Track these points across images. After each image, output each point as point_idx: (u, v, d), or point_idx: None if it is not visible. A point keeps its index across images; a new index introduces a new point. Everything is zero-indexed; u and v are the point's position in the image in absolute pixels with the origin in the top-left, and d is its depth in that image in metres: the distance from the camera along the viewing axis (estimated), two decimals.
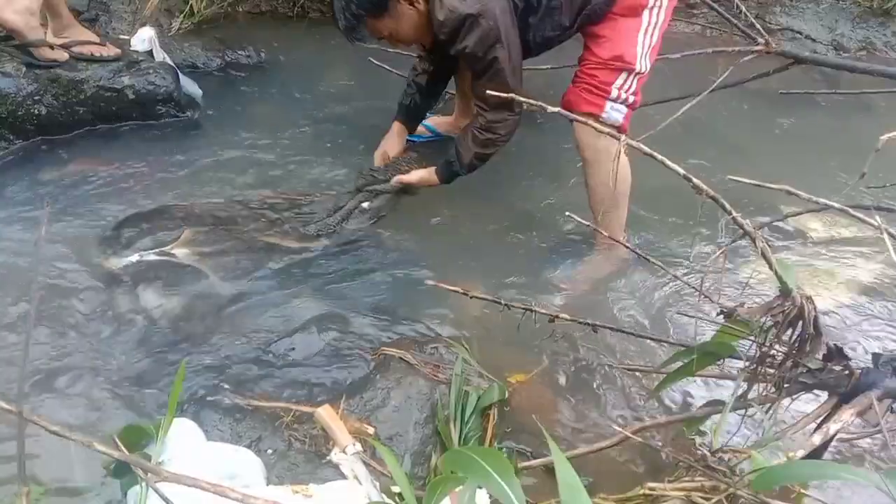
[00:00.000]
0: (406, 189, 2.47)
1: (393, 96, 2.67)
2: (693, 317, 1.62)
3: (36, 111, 2.62)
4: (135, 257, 2.14)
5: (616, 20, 2.15)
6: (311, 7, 3.76)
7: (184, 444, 1.47)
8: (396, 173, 2.45)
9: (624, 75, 2.15)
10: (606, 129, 1.49)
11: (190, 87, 2.95)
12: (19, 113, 2.59)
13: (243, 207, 2.40)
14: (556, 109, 1.43)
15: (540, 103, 1.74)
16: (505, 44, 2.11)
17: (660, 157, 1.27)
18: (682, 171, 1.28)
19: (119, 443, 1.42)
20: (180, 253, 2.18)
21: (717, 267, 1.79)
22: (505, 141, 2.30)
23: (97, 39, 2.80)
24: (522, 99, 1.47)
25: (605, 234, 1.79)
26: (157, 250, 2.18)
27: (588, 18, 2.17)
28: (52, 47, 2.63)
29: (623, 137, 1.27)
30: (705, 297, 1.58)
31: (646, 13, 2.14)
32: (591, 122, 1.84)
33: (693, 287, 1.61)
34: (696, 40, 3.81)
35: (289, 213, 2.41)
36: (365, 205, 2.44)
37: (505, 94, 1.53)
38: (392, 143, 2.58)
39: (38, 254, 1.22)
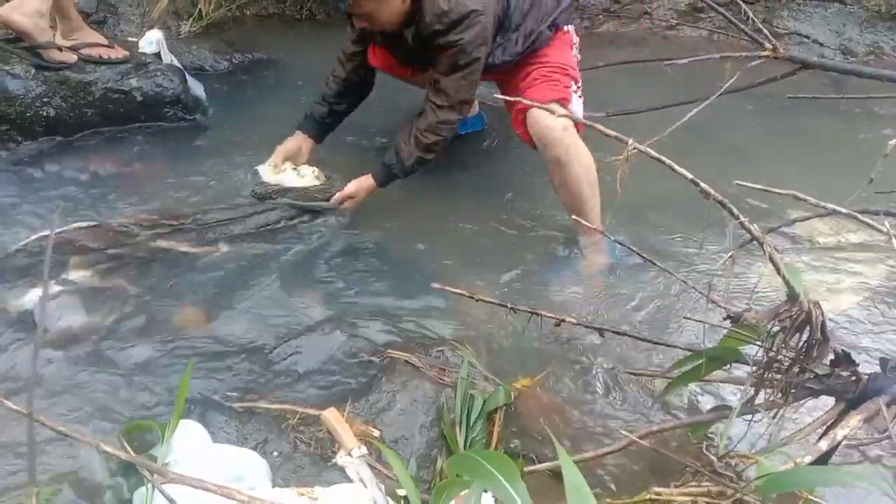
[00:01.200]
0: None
1: (399, 97, 2.68)
2: (700, 321, 1.61)
3: (44, 112, 2.64)
4: None
5: (555, 44, 2.36)
6: (318, 9, 3.78)
7: (190, 445, 1.47)
8: (328, 193, 2.40)
9: (573, 83, 2.31)
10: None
11: (197, 89, 2.96)
12: (28, 114, 2.61)
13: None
14: (532, 104, 1.45)
15: (522, 99, 1.75)
16: (488, 46, 2.19)
17: (668, 161, 1.27)
18: (689, 175, 1.28)
19: (125, 444, 1.42)
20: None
21: (724, 271, 1.79)
22: (445, 145, 2.32)
23: (105, 42, 2.81)
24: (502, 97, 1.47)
25: (600, 230, 1.81)
26: None
27: (533, 45, 2.32)
28: (60, 49, 2.65)
29: (630, 141, 1.27)
30: (712, 301, 1.58)
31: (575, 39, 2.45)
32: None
33: (700, 291, 1.61)
34: (702, 45, 3.80)
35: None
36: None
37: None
38: (293, 146, 2.51)
39: (49, 257, 1.22)
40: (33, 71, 2.62)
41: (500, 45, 2.28)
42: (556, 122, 2.16)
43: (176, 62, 2.95)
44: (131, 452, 1.36)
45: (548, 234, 2.43)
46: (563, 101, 2.25)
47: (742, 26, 2.85)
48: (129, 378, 1.79)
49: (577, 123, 2.20)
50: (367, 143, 2.89)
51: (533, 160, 2.74)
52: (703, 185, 1.27)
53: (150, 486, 1.32)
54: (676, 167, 1.26)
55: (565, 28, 2.40)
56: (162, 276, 2.12)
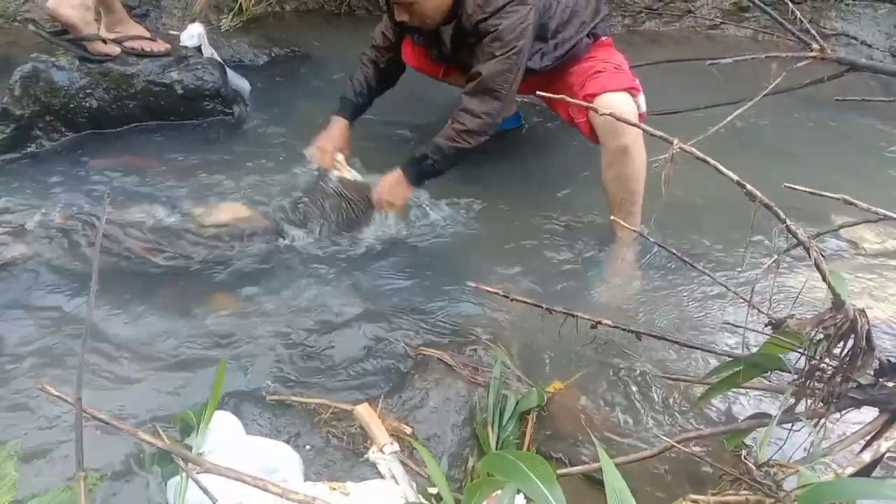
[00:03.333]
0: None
1: (435, 93, 2.67)
2: (740, 327, 1.58)
3: (87, 104, 2.67)
4: None
5: (597, 50, 2.33)
6: (357, 4, 3.79)
7: (224, 436, 1.48)
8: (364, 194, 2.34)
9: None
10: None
11: (238, 82, 2.99)
12: (72, 105, 2.65)
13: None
14: (593, 106, 1.43)
15: (578, 101, 1.73)
16: (528, 39, 2.14)
17: (713, 162, 1.24)
18: (735, 177, 1.25)
19: (161, 433, 1.44)
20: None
21: (766, 276, 1.75)
22: (480, 139, 2.22)
23: (148, 35, 2.85)
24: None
25: (642, 232, 1.78)
26: None
27: (573, 52, 2.29)
28: (104, 42, 2.69)
29: (675, 141, 1.24)
30: (753, 307, 1.55)
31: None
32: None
33: (740, 296, 1.58)
34: (747, 45, 3.73)
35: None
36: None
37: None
38: (336, 137, 2.48)
39: (98, 247, 1.24)
40: (77, 63, 2.66)
41: (539, 51, 2.26)
42: (631, 109, 2.12)
43: (216, 56, 2.98)
44: (167, 442, 1.38)
45: (583, 234, 2.40)
46: (634, 91, 2.21)
47: (789, 26, 2.80)
48: (165, 370, 1.81)
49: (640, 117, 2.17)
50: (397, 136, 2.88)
51: (568, 158, 2.73)
52: (748, 186, 1.24)
53: (184, 475, 1.34)
54: (721, 168, 1.24)
55: (603, 38, 2.37)
56: (198, 270, 2.14)
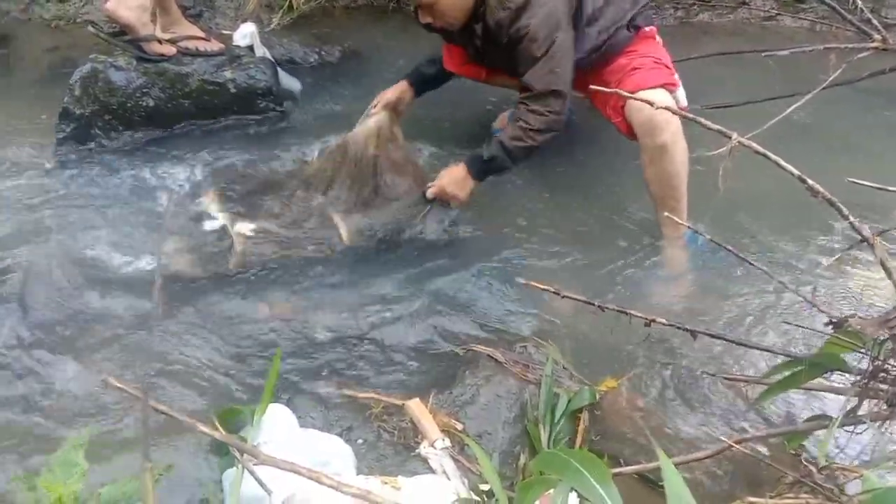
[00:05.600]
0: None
1: (485, 92, 2.66)
2: (800, 326, 1.54)
3: (144, 103, 2.73)
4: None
5: (639, 42, 2.29)
6: (407, 1, 3.79)
7: (278, 429, 1.50)
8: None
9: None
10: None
11: (289, 81, 3.02)
12: (129, 104, 2.71)
13: None
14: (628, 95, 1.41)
15: (618, 91, 1.71)
16: (564, 28, 2.11)
17: (773, 156, 1.21)
18: (796, 171, 1.22)
19: (218, 425, 1.47)
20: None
21: (828, 274, 1.71)
22: (546, 136, 2.19)
23: (202, 35, 2.90)
24: None
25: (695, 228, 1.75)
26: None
27: (611, 42, 2.24)
28: (160, 42, 2.75)
29: (734, 135, 1.22)
30: (813, 305, 1.51)
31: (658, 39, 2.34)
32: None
33: (801, 295, 1.54)
34: (803, 36, 3.63)
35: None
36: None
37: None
38: (394, 95, 2.50)
39: (160, 248, 1.27)
40: (135, 63, 2.72)
41: (577, 38, 2.22)
42: (666, 104, 2.09)
43: (268, 55, 3.02)
44: (224, 433, 1.40)
45: (633, 230, 2.36)
46: (671, 87, 2.18)
47: (848, 16, 2.71)
48: (220, 364, 1.85)
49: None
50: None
51: (617, 153, 2.69)
52: (810, 182, 1.21)
53: (240, 466, 1.36)
54: (782, 162, 1.21)
55: (647, 28, 2.32)
56: (250, 264, 2.17)
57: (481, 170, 2.25)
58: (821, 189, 1.24)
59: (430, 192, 2.30)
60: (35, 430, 1.63)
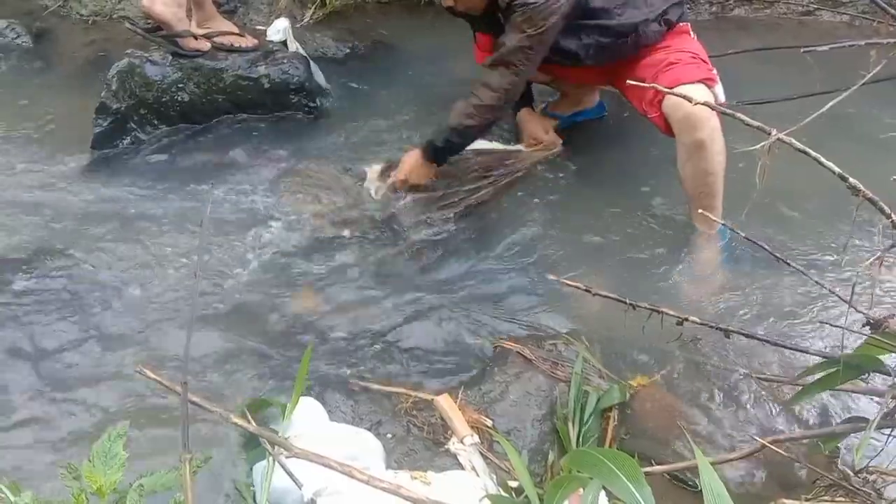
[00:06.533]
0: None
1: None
2: (837, 326, 1.51)
3: (179, 98, 2.76)
4: None
5: (672, 37, 2.26)
6: None
7: (309, 422, 1.51)
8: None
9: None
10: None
11: (318, 77, 3.03)
12: (164, 99, 2.74)
13: None
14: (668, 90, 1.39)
15: (655, 85, 1.69)
16: (557, 21, 2.09)
17: (813, 153, 1.19)
18: (836, 169, 1.20)
19: (249, 416, 1.48)
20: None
21: (867, 275, 1.67)
22: (494, 112, 2.24)
23: (236, 30, 2.92)
24: None
25: (723, 222, 1.73)
26: None
27: (641, 36, 2.21)
28: (195, 37, 2.77)
29: (773, 132, 1.19)
30: (852, 306, 1.48)
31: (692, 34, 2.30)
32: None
33: (838, 296, 1.51)
34: (842, 31, 3.55)
35: None
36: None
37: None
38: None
39: (203, 237, 1.28)
40: (170, 58, 2.75)
41: (587, 32, 2.21)
42: (705, 101, 2.07)
43: (301, 50, 3.03)
44: (255, 426, 1.41)
45: (665, 228, 2.33)
46: (709, 82, 2.14)
47: (890, 10, 2.65)
48: (251, 357, 1.87)
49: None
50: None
51: (650, 149, 2.66)
52: (851, 180, 1.18)
53: (271, 459, 1.38)
54: (823, 160, 1.18)
55: (680, 24, 2.29)
56: (280, 260, 2.20)
57: (434, 151, 2.31)
58: (862, 187, 1.21)
59: (392, 179, 2.38)
60: (70, 419, 1.67)
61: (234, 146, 2.68)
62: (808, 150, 1.21)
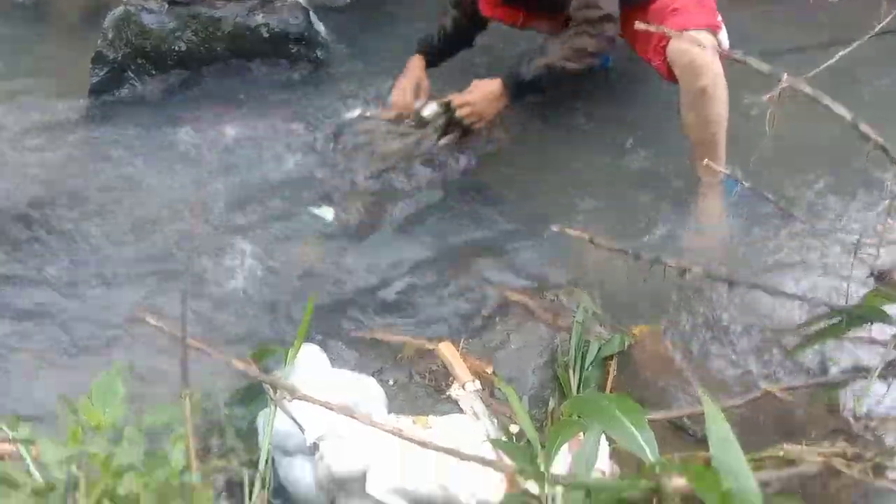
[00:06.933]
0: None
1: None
2: (842, 276, 1.51)
3: (176, 47, 2.71)
4: None
5: None
6: None
7: (311, 369, 1.52)
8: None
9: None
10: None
11: (317, 26, 2.98)
12: (162, 48, 2.69)
13: None
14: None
15: (662, 28, 1.65)
16: None
17: (825, 98, 1.17)
18: (848, 114, 1.18)
19: (252, 363, 1.49)
20: None
21: (873, 226, 1.66)
22: (595, 58, 2.17)
23: None
24: None
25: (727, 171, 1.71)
26: None
27: None
28: None
29: (784, 76, 1.17)
30: (857, 257, 1.48)
31: None
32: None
33: (844, 246, 1.50)
34: None
35: None
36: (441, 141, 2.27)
37: None
38: (415, 76, 2.41)
39: (203, 182, 1.27)
40: (167, 6, 2.70)
41: None
42: (709, 47, 2.03)
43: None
44: (258, 371, 1.42)
45: (668, 178, 2.30)
46: (714, 28, 2.10)
47: None
48: (252, 307, 1.87)
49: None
50: None
51: (654, 99, 2.62)
52: (863, 126, 1.16)
53: (273, 406, 1.38)
54: (834, 105, 1.16)
55: None
56: (281, 207, 2.19)
57: (519, 91, 2.20)
58: (873, 134, 1.19)
59: (455, 101, 2.21)
60: (71, 358, 1.68)
61: (233, 94, 2.64)
62: (819, 94, 1.19)
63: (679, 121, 2.16)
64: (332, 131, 2.40)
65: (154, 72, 2.72)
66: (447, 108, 2.23)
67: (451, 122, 2.25)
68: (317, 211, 2.16)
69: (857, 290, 1.57)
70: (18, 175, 2.24)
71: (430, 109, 2.25)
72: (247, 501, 0.92)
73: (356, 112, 2.41)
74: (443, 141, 2.26)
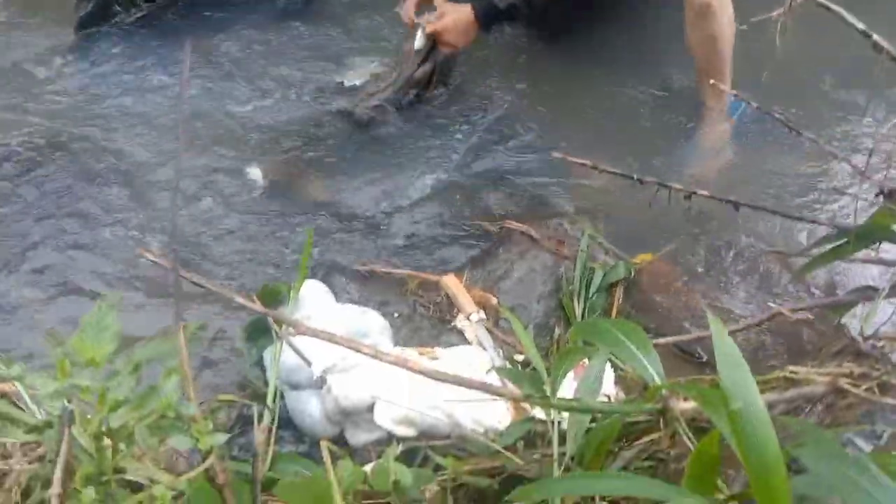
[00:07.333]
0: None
1: None
2: (848, 195, 1.48)
3: None
4: None
5: None
6: None
7: (315, 304, 1.51)
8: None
9: None
10: None
11: None
12: None
13: None
14: None
15: None
16: None
17: (836, 8, 1.12)
18: (860, 25, 1.13)
19: (257, 300, 1.48)
20: None
21: (883, 145, 1.63)
22: None
23: None
24: None
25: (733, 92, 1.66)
26: None
27: None
28: None
29: None
30: (865, 176, 1.44)
31: None
32: None
33: (852, 165, 1.47)
34: None
35: None
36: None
37: None
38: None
39: (183, 97, 1.23)
40: None
41: None
42: None
43: None
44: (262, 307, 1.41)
45: (673, 101, 2.26)
46: None
47: None
48: (252, 243, 1.85)
49: None
50: None
51: (659, 23, 2.53)
52: (875, 36, 1.12)
53: (279, 341, 1.38)
54: (847, 15, 1.11)
55: None
56: (277, 141, 2.15)
57: (491, 19, 2.15)
58: (885, 44, 1.15)
59: (428, 28, 2.13)
60: (69, 295, 1.68)
61: (222, 28, 2.57)
62: (830, 4, 1.14)
63: (685, 40, 2.10)
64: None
65: (141, 3, 2.63)
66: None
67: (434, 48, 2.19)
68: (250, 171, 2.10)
69: (865, 211, 1.55)
70: (8, 112, 2.20)
71: (420, 41, 2.19)
72: (256, 434, 0.93)
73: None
74: (419, 72, 2.20)
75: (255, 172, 2.04)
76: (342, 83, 2.35)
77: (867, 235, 1.42)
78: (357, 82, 2.33)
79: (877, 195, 1.46)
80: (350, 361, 1.34)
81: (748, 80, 2.02)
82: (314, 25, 2.61)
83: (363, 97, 2.21)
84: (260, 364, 1.46)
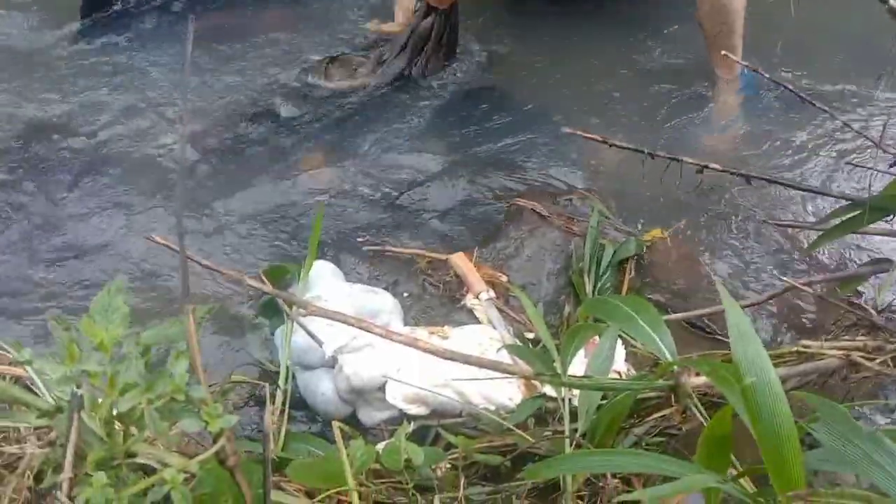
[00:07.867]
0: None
1: None
2: (862, 167, 1.45)
3: None
4: None
5: None
6: None
7: (325, 283, 1.51)
8: None
9: None
10: None
11: None
12: None
13: None
14: None
15: None
16: None
17: None
18: None
19: (265, 280, 1.48)
20: None
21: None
22: None
23: None
24: None
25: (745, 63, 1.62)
26: None
27: None
28: None
29: None
30: (879, 147, 1.42)
31: None
32: None
33: (866, 136, 1.45)
34: None
35: None
36: None
37: None
38: None
39: (186, 78, 1.23)
40: None
41: None
42: None
43: None
44: (272, 288, 1.41)
45: (684, 74, 2.23)
46: None
47: None
48: (262, 223, 1.85)
49: None
50: None
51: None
52: (891, 1, 1.09)
53: (290, 321, 1.38)
54: None
55: None
56: (287, 123, 2.14)
57: None
58: None
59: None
60: (78, 283, 1.68)
61: (226, 10, 2.55)
62: None
63: (695, 11, 2.07)
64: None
65: None
66: None
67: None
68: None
69: (879, 182, 1.53)
70: (14, 95, 2.21)
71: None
72: (265, 416, 0.93)
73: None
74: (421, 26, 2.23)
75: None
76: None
77: (881, 207, 1.40)
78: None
79: (891, 166, 1.44)
80: (361, 341, 1.34)
81: (762, 51, 2.00)
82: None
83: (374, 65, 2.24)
84: (271, 344, 1.47)
